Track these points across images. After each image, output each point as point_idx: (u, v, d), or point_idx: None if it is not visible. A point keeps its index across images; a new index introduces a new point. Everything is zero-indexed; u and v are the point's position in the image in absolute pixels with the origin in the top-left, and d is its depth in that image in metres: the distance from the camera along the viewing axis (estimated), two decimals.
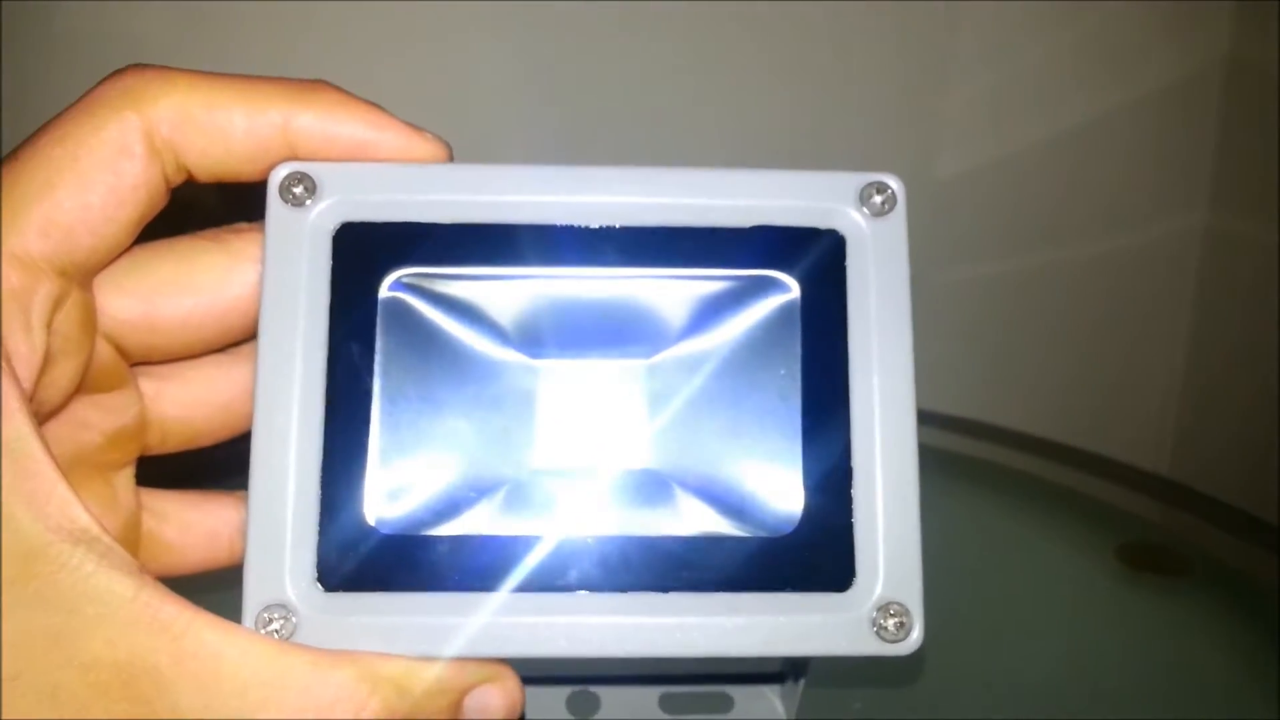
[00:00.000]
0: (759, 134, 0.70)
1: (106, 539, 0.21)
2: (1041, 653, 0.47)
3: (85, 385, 0.25)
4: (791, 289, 0.25)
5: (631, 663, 0.35)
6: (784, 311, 0.25)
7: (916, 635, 0.23)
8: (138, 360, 0.26)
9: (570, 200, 0.25)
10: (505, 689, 0.24)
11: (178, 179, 0.24)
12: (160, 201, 0.24)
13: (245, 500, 0.26)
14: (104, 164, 0.23)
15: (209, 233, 0.26)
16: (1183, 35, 0.70)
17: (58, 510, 0.21)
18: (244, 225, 0.26)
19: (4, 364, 0.21)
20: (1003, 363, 0.78)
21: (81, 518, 0.21)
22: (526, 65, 0.67)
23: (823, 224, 0.25)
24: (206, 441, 0.28)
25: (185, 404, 0.27)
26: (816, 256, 0.25)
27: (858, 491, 0.24)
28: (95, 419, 0.26)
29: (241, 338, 0.27)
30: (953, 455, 0.60)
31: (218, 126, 0.24)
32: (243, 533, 0.27)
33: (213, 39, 0.63)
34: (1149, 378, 0.79)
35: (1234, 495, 0.58)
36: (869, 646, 0.23)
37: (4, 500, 0.20)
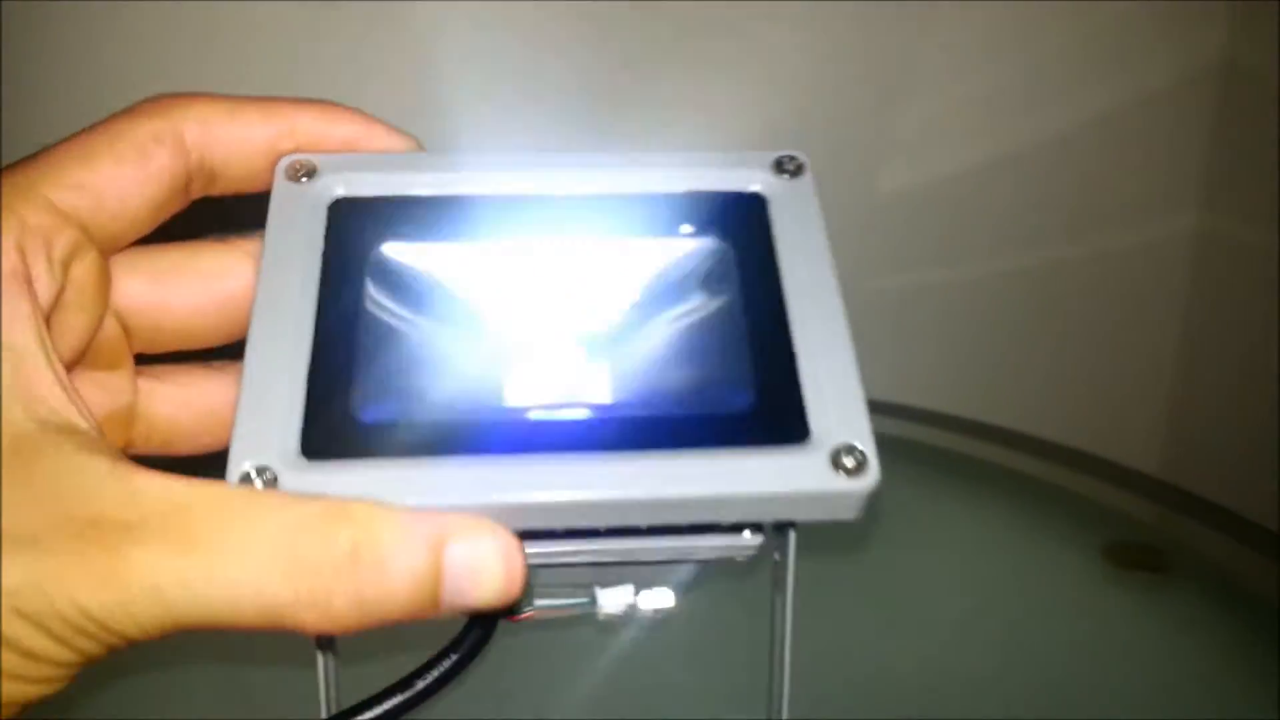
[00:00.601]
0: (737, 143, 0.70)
1: (93, 433, 0.23)
2: (1028, 650, 0.47)
3: (90, 359, 0.28)
4: (725, 238, 0.30)
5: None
6: (722, 255, 0.30)
7: (874, 472, 0.25)
8: (140, 348, 0.29)
9: (527, 174, 0.30)
10: (499, 542, 0.23)
11: (199, 180, 0.28)
12: (179, 198, 0.28)
13: None
14: (137, 146, 0.27)
15: (216, 237, 0.29)
16: (1177, 38, 0.71)
17: (49, 411, 0.23)
18: (247, 234, 0.29)
19: (20, 283, 0.24)
20: (992, 361, 0.78)
21: (73, 417, 0.23)
22: (504, 65, 0.67)
23: (746, 188, 0.30)
24: (184, 448, 0.30)
25: (175, 404, 0.30)
26: (744, 211, 0.30)
27: (802, 366, 0.27)
28: (91, 397, 0.27)
29: (238, 338, 0.28)
30: (943, 452, 0.60)
31: (238, 126, 0.29)
32: None
33: (216, 44, 0.63)
34: (1140, 377, 0.80)
35: (1221, 494, 0.58)
36: (832, 483, 0.25)
37: (4, 397, 0.23)
